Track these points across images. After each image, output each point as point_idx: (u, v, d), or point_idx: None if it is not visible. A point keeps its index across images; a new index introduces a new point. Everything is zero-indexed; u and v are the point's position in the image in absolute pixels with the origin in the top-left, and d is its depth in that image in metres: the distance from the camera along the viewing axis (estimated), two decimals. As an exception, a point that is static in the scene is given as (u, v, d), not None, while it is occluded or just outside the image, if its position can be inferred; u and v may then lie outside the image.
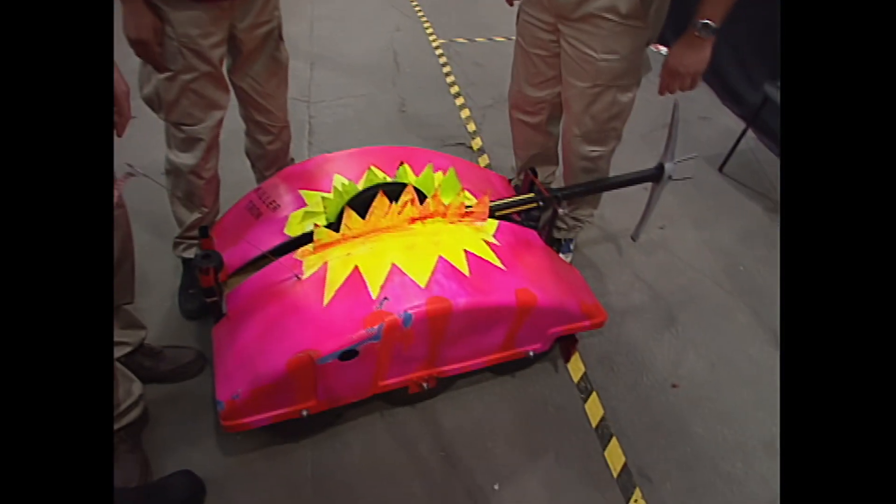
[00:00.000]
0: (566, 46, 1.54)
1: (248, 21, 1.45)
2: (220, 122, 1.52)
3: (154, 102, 1.43)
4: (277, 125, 1.76)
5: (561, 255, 1.99)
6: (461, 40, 3.59)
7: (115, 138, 0.90)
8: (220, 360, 1.32)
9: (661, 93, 1.46)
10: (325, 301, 1.29)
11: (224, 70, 1.49)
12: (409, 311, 1.26)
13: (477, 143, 2.66)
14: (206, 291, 1.36)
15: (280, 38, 1.61)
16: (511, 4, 1.78)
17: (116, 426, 1.32)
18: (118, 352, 1.44)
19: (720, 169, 2.60)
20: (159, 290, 1.80)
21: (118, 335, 1.46)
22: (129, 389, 1.37)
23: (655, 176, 1.78)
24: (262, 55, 1.56)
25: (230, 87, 1.55)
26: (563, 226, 1.96)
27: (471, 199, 1.57)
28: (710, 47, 1.35)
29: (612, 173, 1.83)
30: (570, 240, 2.03)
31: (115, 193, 0.99)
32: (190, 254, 1.74)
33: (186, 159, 1.51)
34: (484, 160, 2.55)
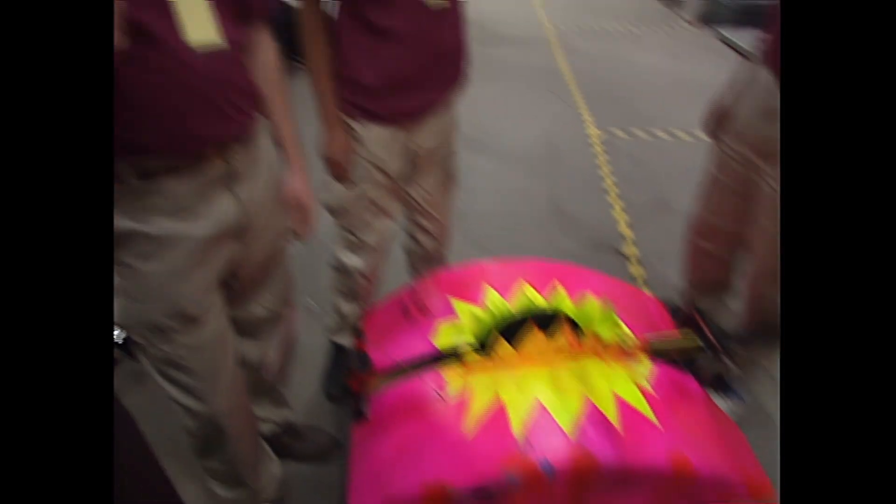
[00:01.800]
0: (765, 187, 1.43)
1: (427, 144, 1.53)
2: (390, 229, 1.61)
3: (332, 209, 1.55)
4: (440, 230, 1.82)
5: (724, 399, 1.78)
6: (620, 134, 3.53)
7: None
8: (356, 465, 1.34)
9: None
10: (466, 429, 1.26)
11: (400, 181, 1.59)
12: (550, 460, 1.18)
13: (632, 250, 2.55)
14: (351, 392, 1.40)
15: (454, 153, 1.68)
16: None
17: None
18: (263, 428, 1.53)
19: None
20: (305, 365, 1.90)
21: (266, 412, 1.55)
22: (269, 470, 1.44)
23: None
24: (436, 170, 1.64)
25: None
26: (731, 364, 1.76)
27: (625, 329, 1.48)
28: None
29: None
30: (739, 382, 1.80)
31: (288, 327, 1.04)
32: (341, 338, 1.83)
33: (355, 262, 1.61)
34: (638, 271, 2.42)
